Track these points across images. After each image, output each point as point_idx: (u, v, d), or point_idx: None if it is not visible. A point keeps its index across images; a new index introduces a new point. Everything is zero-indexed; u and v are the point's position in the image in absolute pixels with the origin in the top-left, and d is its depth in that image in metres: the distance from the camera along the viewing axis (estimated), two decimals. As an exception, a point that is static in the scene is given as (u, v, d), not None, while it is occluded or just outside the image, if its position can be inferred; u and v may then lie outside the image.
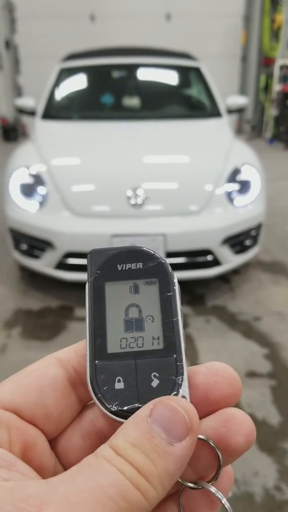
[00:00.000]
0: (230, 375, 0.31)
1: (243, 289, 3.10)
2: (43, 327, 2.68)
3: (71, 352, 0.33)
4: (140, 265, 0.34)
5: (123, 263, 0.34)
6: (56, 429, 0.32)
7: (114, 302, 0.33)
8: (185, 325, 2.67)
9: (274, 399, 2.09)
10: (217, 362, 0.32)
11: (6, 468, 0.26)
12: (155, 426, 0.27)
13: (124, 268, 0.34)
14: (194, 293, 3.05)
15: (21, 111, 3.97)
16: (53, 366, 0.32)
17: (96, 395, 0.30)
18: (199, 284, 3.11)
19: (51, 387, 0.31)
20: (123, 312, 0.33)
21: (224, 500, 0.29)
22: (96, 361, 0.31)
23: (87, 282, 0.33)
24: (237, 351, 2.45)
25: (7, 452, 0.28)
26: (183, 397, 0.29)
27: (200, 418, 0.30)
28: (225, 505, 0.29)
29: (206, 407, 0.31)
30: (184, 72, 4.22)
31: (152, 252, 0.34)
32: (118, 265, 0.34)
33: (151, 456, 0.26)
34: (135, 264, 0.34)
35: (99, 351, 0.31)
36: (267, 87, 8.50)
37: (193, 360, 2.33)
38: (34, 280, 3.18)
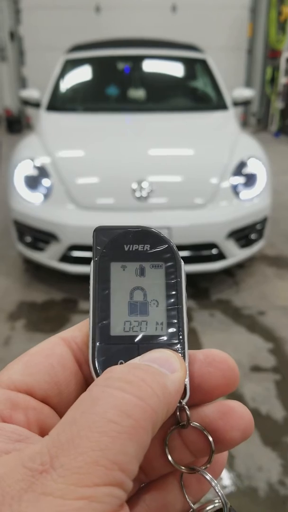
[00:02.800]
0: (226, 365, 0.31)
1: (248, 283, 3.08)
2: (47, 319, 2.68)
3: (75, 330, 0.33)
4: (147, 247, 0.33)
5: (130, 243, 0.33)
6: (68, 408, 0.32)
7: (119, 283, 0.32)
8: (189, 319, 2.66)
9: (279, 393, 2.08)
10: (216, 350, 0.31)
11: (24, 442, 0.26)
12: (147, 362, 0.28)
13: (131, 249, 0.33)
14: (198, 286, 3.04)
15: (26, 102, 3.95)
16: (59, 346, 0.32)
17: (97, 376, 0.30)
18: (203, 277, 3.09)
19: (60, 365, 0.31)
20: (128, 294, 0.32)
21: (218, 488, 0.30)
22: (99, 343, 0.31)
23: (92, 261, 0.33)
24: (242, 345, 2.44)
25: (21, 428, 0.27)
26: (185, 384, 0.29)
27: (195, 405, 0.31)
28: (219, 493, 0.30)
29: (200, 395, 0.31)
30: (190, 64, 4.19)
31: (161, 234, 0.33)
32: (125, 246, 0.33)
33: (149, 373, 0.26)
34: (143, 245, 0.33)
35: (102, 333, 0.31)
36: (273, 80, 8.43)
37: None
38: (38, 272, 3.18)
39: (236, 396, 2.06)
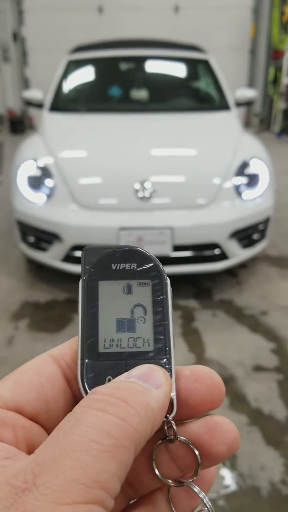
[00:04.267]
0: (212, 381, 0.31)
1: (250, 283, 3.09)
2: (50, 319, 2.69)
3: (65, 348, 0.33)
4: (134, 265, 0.34)
5: (117, 262, 0.34)
6: (56, 425, 0.32)
7: (107, 301, 0.33)
8: (192, 319, 2.67)
9: (281, 393, 2.08)
10: (202, 366, 0.32)
11: (11, 459, 0.26)
12: (133, 379, 0.28)
13: (118, 268, 0.34)
14: (201, 286, 3.04)
15: (29, 103, 3.96)
16: (49, 363, 0.32)
17: (86, 393, 0.30)
18: (206, 277, 3.10)
19: (50, 383, 0.31)
20: (116, 312, 0.33)
21: (206, 500, 0.30)
22: (87, 360, 0.31)
23: (80, 280, 0.33)
24: (244, 345, 2.44)
25: (9, 446, 0.28)
26: (171, 399, 0.30)
27: (180, 420, 0.31)
28: (207, 504, 0.30)
29: (186, 411, 0.31)
30: (192, 64, 4.19)
31: (147, 253, 0.34)
32: (113, 265, 0.34)
33: (131, 392, 0.27)
34: (129, 264, 0.34)
35: (90, 350, 0.32)
36: (275, 80, 8.42)
37: (200, 353, 2.33)
38: (41, 272, 3.19)
39: (239, 396, 2.06)
